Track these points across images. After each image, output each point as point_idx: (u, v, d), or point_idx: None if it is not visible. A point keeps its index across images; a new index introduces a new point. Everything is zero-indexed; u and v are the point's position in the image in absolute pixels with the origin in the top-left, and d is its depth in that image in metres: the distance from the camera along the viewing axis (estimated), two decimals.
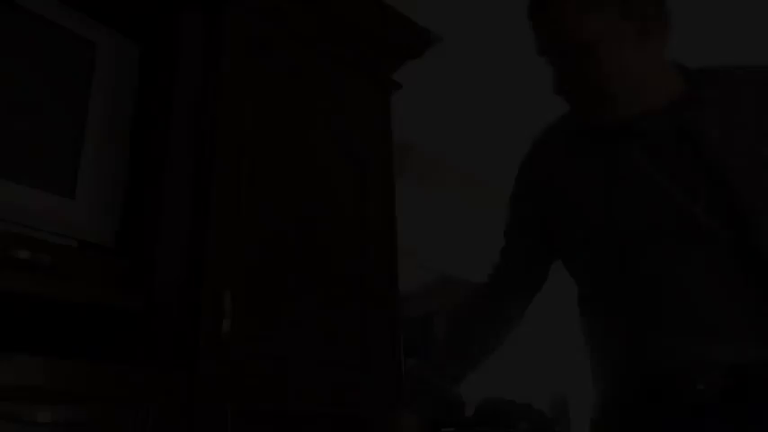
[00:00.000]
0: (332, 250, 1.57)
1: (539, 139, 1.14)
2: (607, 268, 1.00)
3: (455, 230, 3.27)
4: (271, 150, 1.51)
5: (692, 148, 0.94)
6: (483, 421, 2.16)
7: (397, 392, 1.57)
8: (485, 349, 1.18)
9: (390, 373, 1.58)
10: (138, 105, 1.45)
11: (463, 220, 3.32)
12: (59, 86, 1.32)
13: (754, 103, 0.94)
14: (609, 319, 1.01)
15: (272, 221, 1.46)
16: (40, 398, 1.02)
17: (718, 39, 2.33)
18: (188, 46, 1.45)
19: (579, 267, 1.07)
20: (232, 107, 1.45)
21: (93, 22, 1.40)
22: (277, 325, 1.37)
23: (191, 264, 1.30)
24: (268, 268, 1.41)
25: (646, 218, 0.95)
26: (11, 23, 1.27)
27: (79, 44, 1.36)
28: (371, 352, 1.55)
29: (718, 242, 0.91)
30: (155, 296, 1.24)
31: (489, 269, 1.20)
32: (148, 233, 1.30)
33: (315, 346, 1.44)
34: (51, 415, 1.01)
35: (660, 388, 0.93)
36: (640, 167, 0.96)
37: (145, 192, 1.37)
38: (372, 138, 1.78)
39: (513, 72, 2.53)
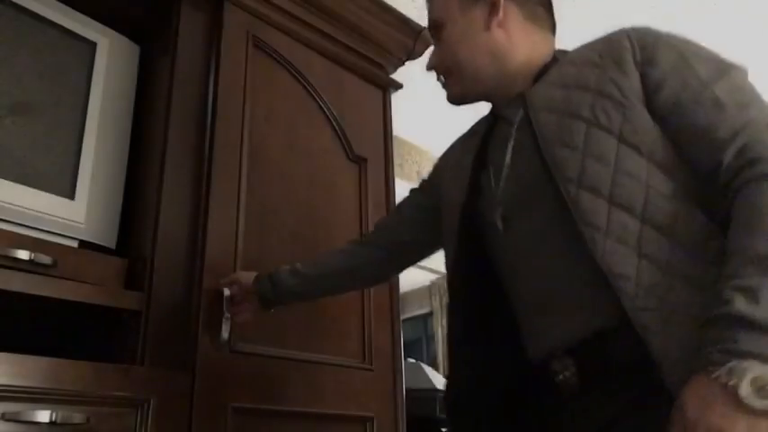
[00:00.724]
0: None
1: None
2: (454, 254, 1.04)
3: None
4: (271, 149, 1.51)
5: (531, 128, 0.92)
6: None
7: (397, 392, 1.57)
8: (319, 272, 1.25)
9: (390, 372, 1.58)
10: (138, 105, 1.46)
11: None
12: (59, 86, 1.32)
13: (578, 63, 0.93)
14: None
15: (273, 221, 1.47)
16: (40, 398, 1.02)
17: None
18: (187, 44, 1.45)
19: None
20: (231, 106, 1.45)
21: (94, 22, 1.40)
22: (276, 324, 1.38)
23: (190, 263, 1.31)
24: (268, 267, 1.41)
25: (486, 200, 0.97)
26: (11, 23, 1.27)
27: (79, 44, 1.37)
28: (371, 351, 1.55)
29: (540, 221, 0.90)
30: (155, 296, 1.24)
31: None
32: (148, 233, 1.30)
33: (314, 346, 1.45)
34: (51, 415, 1.01)
35: (522, 384, 0.93)
36: (495, 154, 0.98)
37: (145, 192, 1.37)
38: (372, 137, 1.78)
39: None
